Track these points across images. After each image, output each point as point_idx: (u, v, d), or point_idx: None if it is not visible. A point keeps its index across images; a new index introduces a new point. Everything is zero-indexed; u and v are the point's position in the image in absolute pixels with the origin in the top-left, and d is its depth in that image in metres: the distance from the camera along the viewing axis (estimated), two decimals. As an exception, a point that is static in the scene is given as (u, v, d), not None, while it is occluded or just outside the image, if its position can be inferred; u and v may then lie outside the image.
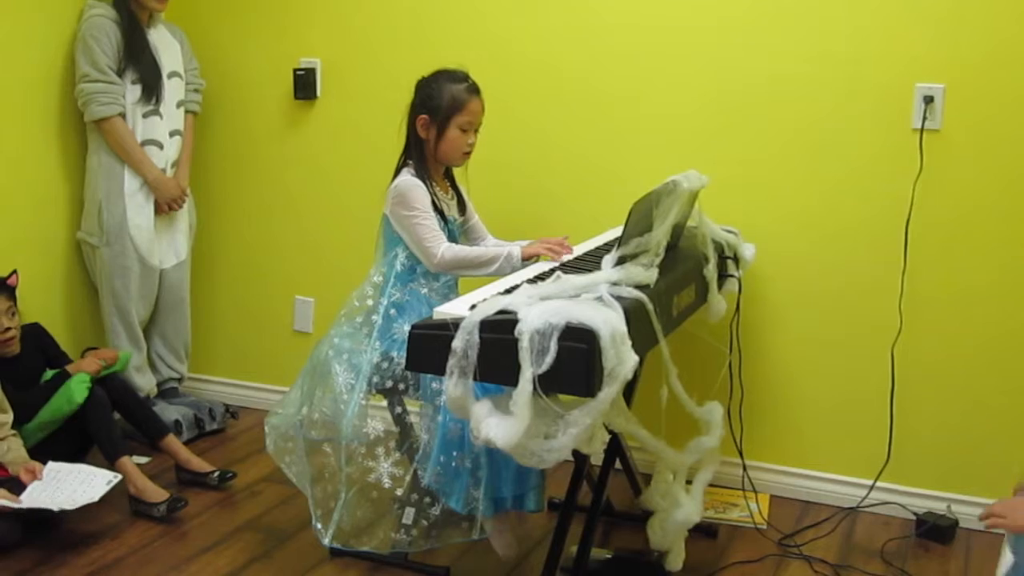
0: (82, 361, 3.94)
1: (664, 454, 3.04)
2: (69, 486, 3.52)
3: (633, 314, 2.58)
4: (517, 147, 4.21)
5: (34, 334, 3.97)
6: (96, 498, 3.49)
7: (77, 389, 3.72)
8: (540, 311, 2.42)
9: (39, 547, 3.45)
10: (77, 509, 3.45)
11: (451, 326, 2.49)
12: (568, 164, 4.17)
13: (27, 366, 3.87)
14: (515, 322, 2.42)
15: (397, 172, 3.47)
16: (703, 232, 3.41)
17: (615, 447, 3.30)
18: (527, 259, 3.33)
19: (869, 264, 3.82)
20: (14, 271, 3.92)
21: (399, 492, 3.28)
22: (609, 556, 3.39)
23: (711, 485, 3.43)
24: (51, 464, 3.59)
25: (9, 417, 3.66)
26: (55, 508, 3.39)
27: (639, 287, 2.73)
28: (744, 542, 3.66)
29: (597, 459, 3.23)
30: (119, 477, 3.61)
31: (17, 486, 3.50)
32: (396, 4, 4.36)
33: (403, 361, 2.98)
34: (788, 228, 3.90)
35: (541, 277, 2.92)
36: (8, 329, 3.82)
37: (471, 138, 3.47)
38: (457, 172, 3.63)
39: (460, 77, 3.45)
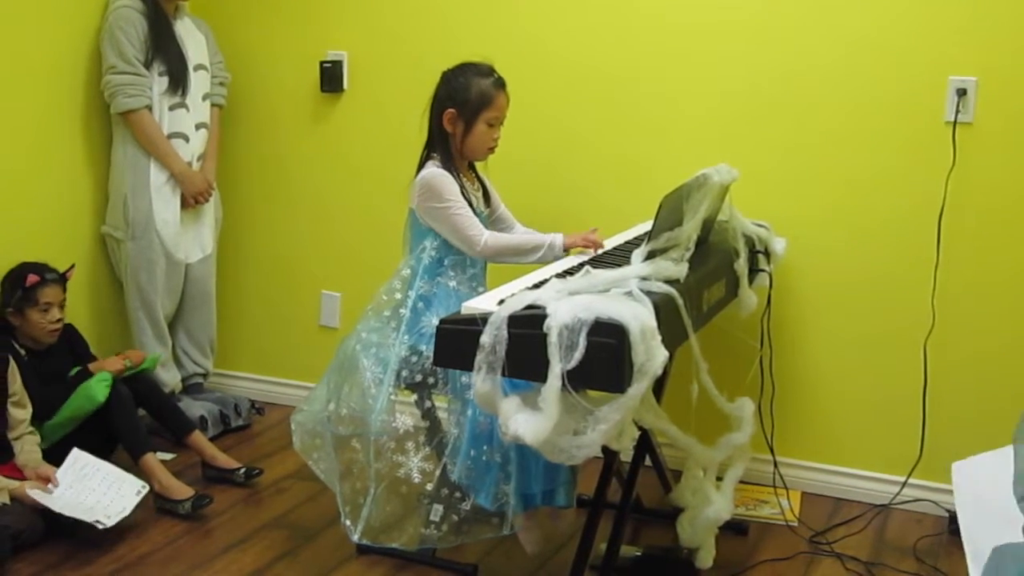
0: (105, 360, 3.93)
1: (694, 450, 3.01)
2: (96, 490, 3.51)
3: (663, 309, 2.55)
4: (546, 141, 4.18)
5: (66, 333, 3.96)
6: (128, 510, 3.49)
7: (98, 388, 3.72)
8: (569, 306, 2.40)
9: (63, 544, 3.44)
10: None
11: (479, 321, 2.48)
12: (597, 158, 4.14)
13: (55, 363, 3.87)
14: (544, 317, 2.40)
15: (421, 165, 3.45)
16: (734, 226, 3.40)
17: (645, 443, 3.28)
18: (568, 249, 3.31)
19: (901, 259, 3.78)
20: (72, 265, 3.97)
21: (429, 487, 3.26)
22: (639, 553, 3.37)
23: (742, 482, 3.41)
24: (76, 452, 3.58)
25: (28, 413, 3.65)
26: (89, 520, 3.37)
27: (669, 282, 2.71)
28: (775, 539, 3.63)
29: (627, 455, 3.20)
30: (147, 488, 3.61)
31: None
32: (423, -4, 4.35)
33: (432, 355, 2.95)
34: (820, 222, 3.86)
35: (570, 272, 2.89)
36: (59, 320, 3.84)
37: (496, 133, 3.44)
38: (478, 164, 3.60)
39: (487, 71, 3.42)
